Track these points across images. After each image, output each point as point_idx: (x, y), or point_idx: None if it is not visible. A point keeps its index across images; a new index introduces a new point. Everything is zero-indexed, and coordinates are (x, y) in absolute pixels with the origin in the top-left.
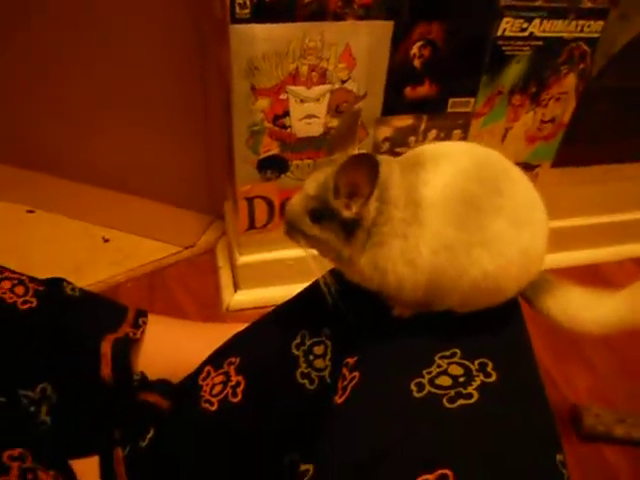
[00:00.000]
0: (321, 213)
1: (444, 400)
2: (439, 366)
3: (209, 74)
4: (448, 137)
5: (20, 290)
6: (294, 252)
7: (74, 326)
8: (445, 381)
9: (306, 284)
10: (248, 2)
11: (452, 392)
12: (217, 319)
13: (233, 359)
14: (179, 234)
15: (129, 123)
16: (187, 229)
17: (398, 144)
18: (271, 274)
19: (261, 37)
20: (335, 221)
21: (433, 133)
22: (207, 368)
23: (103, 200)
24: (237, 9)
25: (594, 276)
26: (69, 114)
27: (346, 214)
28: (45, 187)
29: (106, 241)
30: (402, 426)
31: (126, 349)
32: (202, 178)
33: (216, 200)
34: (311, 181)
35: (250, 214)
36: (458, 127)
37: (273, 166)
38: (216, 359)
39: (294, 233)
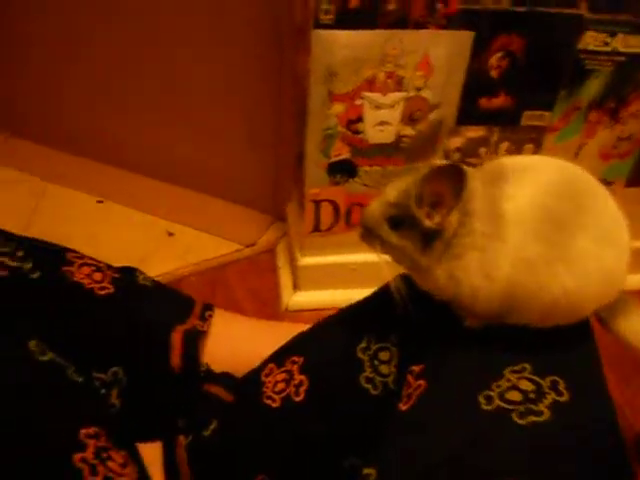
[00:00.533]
0: (401, 220)
1: (513, 415)
2: (509, 380)
3: (284, 77)
4: (520, 151)
5: (98, 276)
6: (356, 256)
7: (146, 315)
8: (515, 396)
9: (367, 289)
10: (332, 8)
11: (522, 408)
12: (275, 318)
13: (296, 358)
14: (241, 232)
15: (199, 121)
16: (249, 228)
17: (469, 154)
18: (332, 277)
19: (342, 43)
20: (414, 229)
21: (505, 145)
22: (270, 365)
23: (169, 195)
24: (321, 15)
25: None
26: (141, 109)
27: (427, 223)
28: (114, 179)
29: (170, 235)
30: (469, 436)
31: (195, 341)
32: (267, 179)
33: (279, 201)
34: (392, 188)
35: (316, 217)
36: (531, 141)
37: (342, 171)
38: (279, 357)
39: (371, 238)
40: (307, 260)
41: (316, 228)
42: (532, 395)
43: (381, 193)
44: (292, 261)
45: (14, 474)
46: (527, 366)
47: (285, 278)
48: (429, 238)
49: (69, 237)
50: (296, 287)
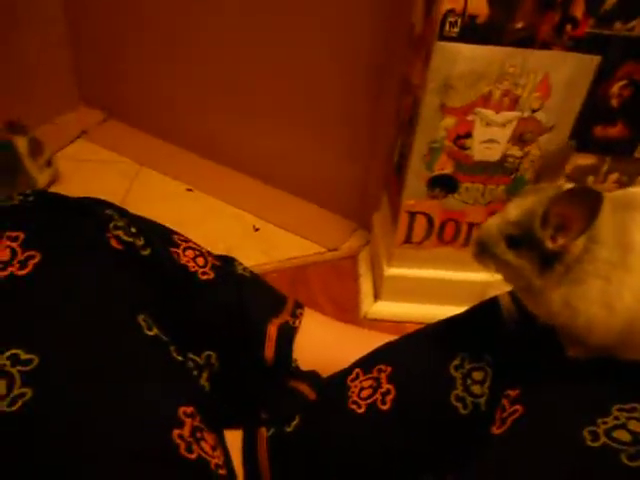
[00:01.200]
0: (520, 240)
1: (622, 456)
2: (616, 418)
3: (386, 87)
4: (631, 183)
5: (201, 261)
6: (444, 273)
7: (244, 304)
8: (623, 436)
9: (451, 307)
10: (459, 21)
11: (632, 449)
12: (353, 324)
13: (384, 367)
14: (325, 235)
15: (295, 121)
16: (333, 232)
17: (575, 182)
18: (416, 291)
19: (464, 56)
20: (534, 250)
21: (615, 176)
22: (356, 370)
23: (257, 191)
24: (447, 27)
25: None
26: (239, 106)
27: (550, 246)
28: (206, 170)
29: (256, 230)
30: (573, 472)
31: (290, 335)
32: (356, 186)
33: (365, 209)
34: (514, 206)
35: (409, 228)
36: None
37: (443, 185)
38: (367, 363)
39: (484, 255)
40: (393, 271)
41: (407, 240)
42: None
43: (501, 211)
44: (375, 270)
45: (115, 439)
46: (638, 407)
47: (366, 286)
48: (548, 261)
49: (158, 220)
50: (377, 296)
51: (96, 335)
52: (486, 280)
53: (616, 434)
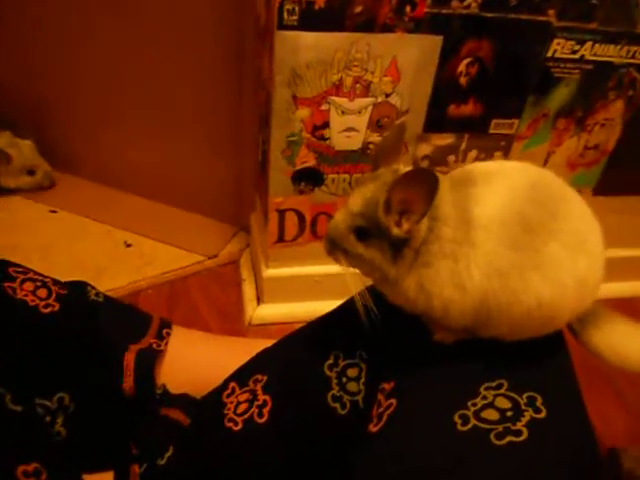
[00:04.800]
0: (367, 231)
1: (491, 436)
2: (484, 398)
3: (245, 83)
4: (488, 158)
5: (43, 293)
6: (322, 268)
7: (97, 334)
8: (492, 415)
9: (334, 302)
10: (297, 9)
11: (500, 427)
12: (239, 332)
13: (260, 377)
14: (202, 243)
15: (157, 127)
16: (211, 239)
17: (437, 162)
18: (297, 289)
19: (307, 45)
20: (382, 239)
21: (473, 153)
22: (232, 384)
23: (126, 204)
24: (285, 15)
25: (634, 310)
26: (98, 117)
27: (396, 232)
28: (68, 188)
29: (128, 246)
30: (445, 460)
31: (150, 361)
32: (229, 188)
33: (242, 211)
34: (356, 197)
35: (280, 227)
36: (499, 149)
37: (308, 179)
38: (242, 376)
39: (337, 251)
40: (271, 272)
41: (280, 238)
42: (509, 413)
43: (344, 203)
44: (256, 273)
45: None
46: (504, 382)
47: (249, 291)
48: (398, 248)
49: (19, 248)
50: (260, 300)
51: None
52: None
53: (485, 414)
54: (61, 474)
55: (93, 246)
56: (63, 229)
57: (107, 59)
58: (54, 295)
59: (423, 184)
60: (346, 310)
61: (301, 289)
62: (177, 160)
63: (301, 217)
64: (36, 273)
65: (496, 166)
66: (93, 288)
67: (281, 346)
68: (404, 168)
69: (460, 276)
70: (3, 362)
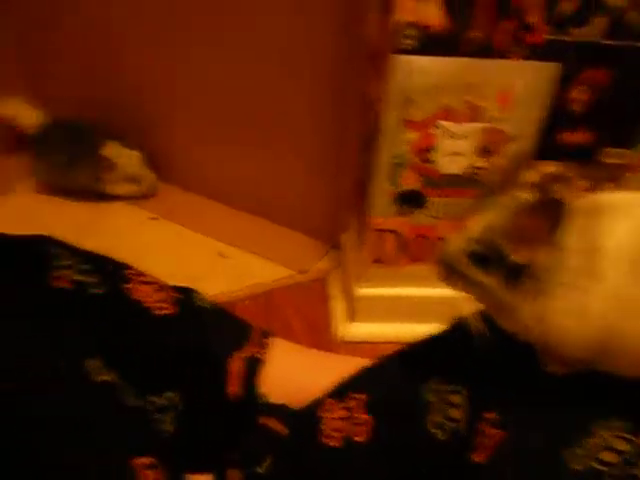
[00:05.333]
0: (485, 257)
1: (606, 477)
2: (601, 438)
3: (349, 103)
4: (599, 188)
5: (158, 295)
6: (418, 290)
7: (205, 338)
8: (609, 457)
9: (426, 324)
10: (414, 33)
11: (616, 470)
12: (327, 348)
13: (358, 395)
14: (294, 258)
15: (258, 142)
16: (302, 254)
17: (545, 190)
18: (390, 310)
19: (421, 69)
20: (501, 266)
21: (582, 182)
22: (329, 400)
23: (223, 215)
24: (402, 40)
25: None
26: (201, 130)
27: (517, 259)
28: (169, 197)
29: (222, 256)
30: None
31: (254, 369)
32: (324, 206)
33: (335, 229)
34: (474, 222)
35: (378, 247)
36: (611, 179)
37: (410, 201)
38: (340, 392)
39: (452, 276)
40: (365, 291)
41: (377, 259)
42: (628, 456)
43: (461, 228)
44: (347, 291)
45: None
46: (622, 423)
47: (339, 308)
48: (517, 275)
49: (118, 251)
50: (351, 318)
51: (36, 385)
52: (462, 296)
53: (601, 455)
54: (171, 469)
55: (189, 254)
56: (161, 236)
57: (209, 75)
58: (168, 298)
59: (550, 212)
60: (450, 334)
61: (394, 310)
62: (274, 175)
63: (400, 238)
64: (150, 276)
65: (623, 197)
66: (199, 294)
67: (381, 367)
68: (525, 195)
69: (582, 307)
70: (123, 359)
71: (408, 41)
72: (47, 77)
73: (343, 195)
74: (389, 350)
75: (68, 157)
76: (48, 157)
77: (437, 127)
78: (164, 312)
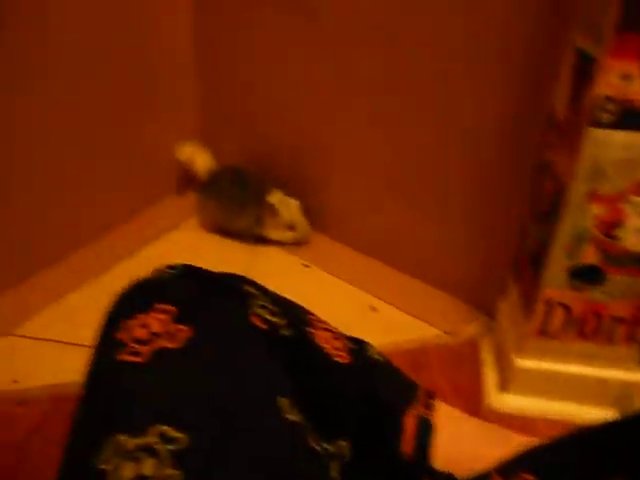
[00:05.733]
0: None
1: None
2: None
3: (521, 171)
4: None
5: (337, 343)
6: (583, 368)
7: (379, 390)
8: None
9: (588, 406)
10: (614, 107)
11: None
12: (475, 414)
13: (527, 476)
14: (443, 319)
15: (418, 201)
16: (451, 315)
17: None
18: (549, 385)
19: (618, 143)
20: None
21: None
22: (496, 477)
23: (374, 269)
24: (600, 114)
25: None
26: (359, 184)
27: None
28: (321, 245)
29: (373, 310)
30: None
31: (427, 430)
32: (479, 270)
33: (486, 294)
34: None
35: (544, 319)
36: None
37: (586, 276)
38: (507, 469)
39: None
40: (524, 362)
41: (542, 331)
42: None
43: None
44: (501, 359)
45: None
46: None
47: (490, 376)
48: None
49: None
50: (504, 388)
51: (240, 416)
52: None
53: None
54: None
55: (339, 304)
56: (313, 283)
57: (370, 132)
58: (344, 347)
59: None
60: (634, 425)
61: (554, 386)
62: (430, 234)
63: (569, 313)
64: (329, 324)
65: None
66: (372, 346)
67: (555, 448)
68: None
69: None
70: (307, 402)
71: (606, 115)
72: (220, 127)
73: (499, 261)
74: (541, 427)
75: (235, 201)
76: (216, 199)
77: (628, 202)
78: (341, 360)
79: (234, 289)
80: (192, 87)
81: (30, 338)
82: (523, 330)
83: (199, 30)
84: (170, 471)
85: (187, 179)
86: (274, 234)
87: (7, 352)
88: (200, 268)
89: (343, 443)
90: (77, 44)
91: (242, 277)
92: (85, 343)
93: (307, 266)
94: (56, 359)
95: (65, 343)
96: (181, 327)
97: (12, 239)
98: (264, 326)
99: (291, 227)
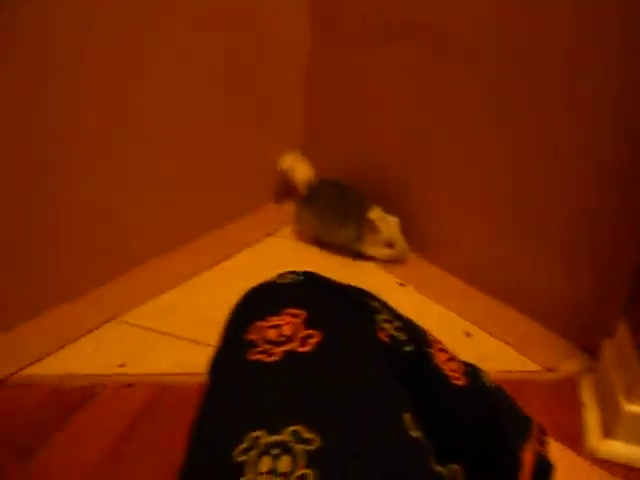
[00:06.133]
0: None
1: None
2: None
3: (631, 203)
4: None
5: (453, 365)
6: None
7: (497, 419)
8: None
9: None
10: None
11: None
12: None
13: None
14: (540, 352)
15: (519, 230)
16: (549, 350)
17: None
18: None
19: None
20: None
21: None
22: None
23: (468, 295)
24: None
25: None
26: (456, 206)
27: None
28: (417, 266)
29: (468, 335)
30: None
31: (547, 468)
32: (581, 305)
33: (586, 332)
34: None
35: None
36: None
37: None
38: None
39: None
40: (634, 408)
41: None
42: None
43: None
44: (606, 403)
45: None
46: None
47: (592, 418)
48: None
49: None
50: (609, 434)
51: (366, 425)
52: None
53: None
54: None
55: (434, 326)
56: (407, 303)
57: (474, 156)
58: (459, 369)
59: None
60: None
61: None
62: (530, 265)
63: None
64: (442, 343)
65: None
66: (486, 374)
67: None
68: None
69: None
70: (425, 421)
71: None
72: (323, 140)
73: (604, 300)
74: None
75: (337, 214)
76: (317, 211)
77: None
78: (459, 383)
79: (361, 301)
80: (301, 98)
81: (136, 326)
82: (635, 373)
83: (315, 46)
84: (305, 470)
85: (286, 188)
86: (372, 250)
87: (116, 337)
88: (324, 276)
89: (456, 467)
90: (204, 49)
91: (364, 290)
92: (185, 336)
93: (403, 285)
94: (158, 349)
95: (165, 334)
96: (311, 332)
97: (127, 228)
98: (388, 340)
99: (389, 244)
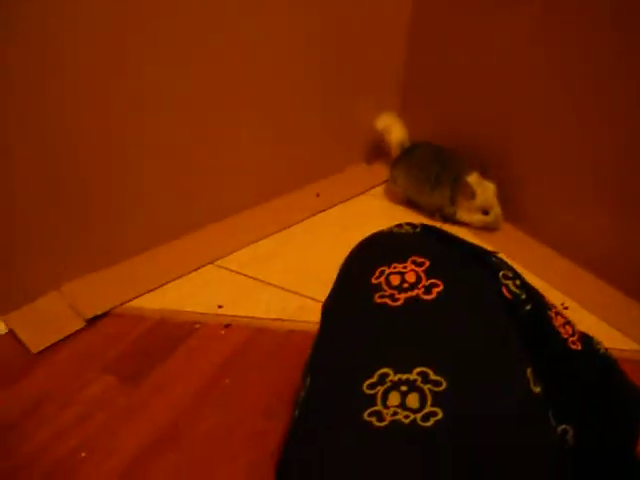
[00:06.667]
0: None
1: None
2: None
3: None
4: None
5: (569, 329)
6: None
7: (613, 387)
8: None
9: None
10: None
11: None
12: None
13: None
14: (636, 330)
15: (619, 203)
16: None
17: None
18: None
19: None
20: None
21: None
22: None
23: (565, 269)
24: None
25: None
26: (556, 177)
27: None
28: (510, 235)
29: (565, 308)
30: None
31: None
32: None
33: None
34: None
35: None
36: None
37: None
38: None
39: None
40: None
41: None
42: None
43: None
44: None
45: None
46: None
47: None
48: None
49: None
50: None
51: (491, 375)
52: None
53: None
54: None
55: None
56: None
57: (579, 126)
58: (577, 335)
59: None
60: None
61: None
62: (631, 241)
63: None
64: (557, 307)
65: None
66: (600, 342)
67: None
68: None
69: None
70: (545, 379)
71: None
72: (421, 103)
73: None
74: None
75: (432, 176)
76: (411, 171)
77: None
78: (575, 347)
79: (482, 255)
80: (400, 59)
81: (232, 271)
82: None
83: (417, 6)
84: (432, 408)
85: (379, 149)
86: (465, 216)
87: (214, 279)
88: (441, 229)
89: (567, 428)
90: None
91: (483, 248)
92: (278, 284)
93: (496, 253)
94: (253, 294)
95: (260, 281)
96: (434, 280)
97: (222, 179)
98: (510, 297)
99: (485, 211)
